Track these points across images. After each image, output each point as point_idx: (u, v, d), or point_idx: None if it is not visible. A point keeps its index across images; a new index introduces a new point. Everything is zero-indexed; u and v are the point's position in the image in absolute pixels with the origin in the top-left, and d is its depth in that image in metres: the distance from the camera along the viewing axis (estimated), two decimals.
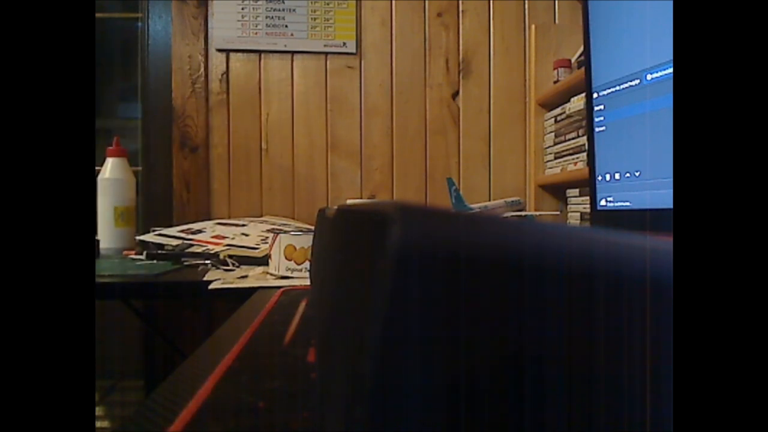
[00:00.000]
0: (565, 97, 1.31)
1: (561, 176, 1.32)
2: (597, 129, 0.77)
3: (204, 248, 1.01)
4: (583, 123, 1.18)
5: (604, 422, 0.12)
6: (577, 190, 1.27)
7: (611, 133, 0.74)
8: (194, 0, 1.44)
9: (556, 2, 1.55)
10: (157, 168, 1.47)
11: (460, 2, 1.52)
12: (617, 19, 0.72)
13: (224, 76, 1.46)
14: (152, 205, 1.46)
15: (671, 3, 0.60)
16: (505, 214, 1.35)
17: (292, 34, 1.46)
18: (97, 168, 1.22)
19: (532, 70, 1.47)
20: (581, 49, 1.24)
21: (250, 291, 0.65)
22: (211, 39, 1.45)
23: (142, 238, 1.13)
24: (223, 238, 1.07)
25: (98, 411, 1.43)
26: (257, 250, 0.97)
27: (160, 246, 1.06)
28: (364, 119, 1.50)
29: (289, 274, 0.72)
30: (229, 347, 0.37)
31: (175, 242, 1.06)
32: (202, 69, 1.45)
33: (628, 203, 0.71)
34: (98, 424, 1.41)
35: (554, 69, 1.39)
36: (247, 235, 1.10)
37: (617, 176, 0.73)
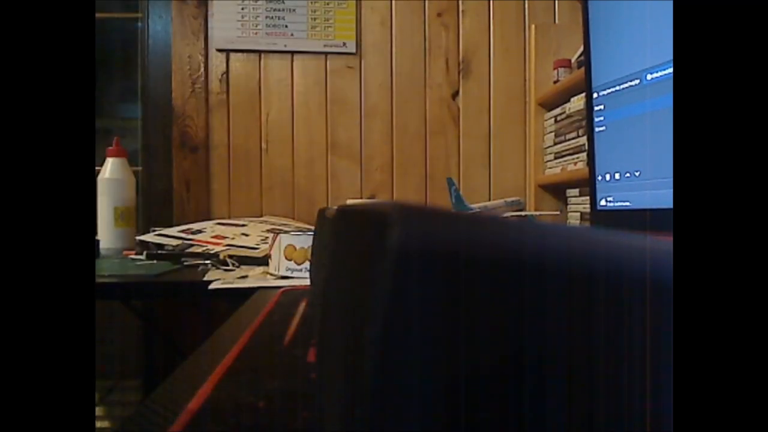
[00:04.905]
0: (565, 97, 1.31)
1: (561, 176, 1.32)
2: (597, 129, 0.77)
3: (204, 248, 1.01)
4: (583, 123, 1.18)
5: (604, 422, 0.12)
6: (577, 190, 1.27)
7: (611, 133, 0.74)
8: (194, 0, 1.44)
9: (556, 2, 1.55)
10: (157, 168, 1.47)
11: (460, 2, 1.52)
12: (617, 19, 0.72)
13: (224, 76, 1.46)
14: (152, 205, 1.46)
15: (671, 3, 0.60)
16: (505, 214, 1.35)
17: (292, 34, 1.46)
18: (97, 168, 1.22)
19: (532, 70, 1.47)
20: (581, 49, 1.24)
21: (250, 291, 0.65)
22: (211, 39, 1.45)
23: (142, 238, 1.13)
24: (223, 238, 1.07)
25: (98, 411, 1.43)
26: (257, 250, 0.97)
27: (160, 246, 1.06)
28: (364, 119, 1.50)
29: (289, 274, 0.72)
30: (229, 347, 0.37)
31: (175, 242, 1.06)
32: (202, 69, 1.45)
33: (628, 203, 0.71)
34: (98, 424, 1.41)
35: (554, 69, 1.39)
36: (247, 235, 1.10)
37: (617, 176, 0.73)
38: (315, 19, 1.47)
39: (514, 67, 1.53)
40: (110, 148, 1.24)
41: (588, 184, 0.80)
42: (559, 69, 1.37)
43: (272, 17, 1.46)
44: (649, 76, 0.65)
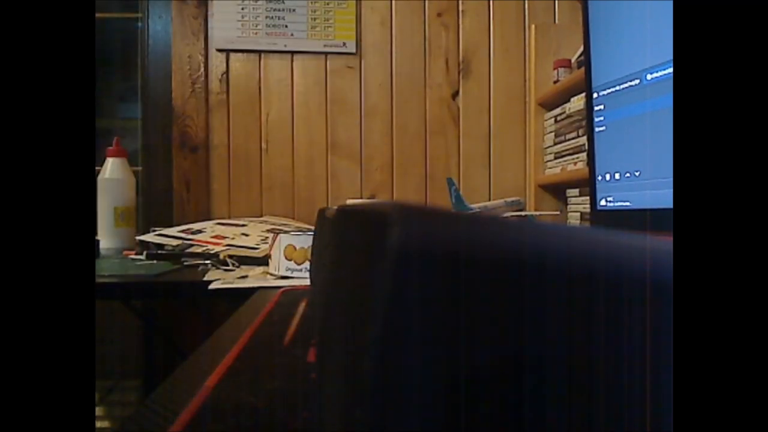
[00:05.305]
0: (565, 97, 1.31)
1: (561, 176, 1.32)
2: (597, 129, 0.77)
3: (204, 248, 1.01)
4: (583, 123, 1.18)
5: (604, 422, 0.12)
6: (577, 190, 1.27)
7: (611, 133, 0.74)
8: (194, 0, 1.44)
9: (556, 2, 1.55)
10: (157, 168, 1.47)
11: (460, 2, 1.52)
12: (617, 19, 0.72)
13: (224, 76, 1.46)
14: (152, 205, 1.46)
15: (671, 3, 0.60)
16: (505, 214, 1.35)
17: (292, 34, 1.46)
18: (97, 168, 1.22)
19: (532, 70, 1.47)
20: (581, 49, 1.24)
21: (250, 291, 0.65)
22: (211, 39, 1.45)
23: (142, 238, 1.13)
24: (223, 238, 1.07)
25: (98, 411, 1.43)
26: (257, 250, 0.97)
27: (160, 246, 1.06)
28: (364, 119, 1.50)
29: (289, 274, 0.72)
30: (229, 347, 0.37)
31: (175, 242, 1.06)
32: (202, 69, 1.45)
33: (628, 203, 0.71)
34: (98, 424, 1.41)
35: (554, 69, 1.39)
36: (247, 235, 1.10)
37: (617, 176, 0.73)
38: (315, 19, 1.47)
39: (514, 67, 1.53)
40: (110, 148, 1.24)
41: (588, 184, 0.80)
42: (559, 69, 1.37)
43: (272, 17, 1.46)
44: (649, 76, 0.65)
